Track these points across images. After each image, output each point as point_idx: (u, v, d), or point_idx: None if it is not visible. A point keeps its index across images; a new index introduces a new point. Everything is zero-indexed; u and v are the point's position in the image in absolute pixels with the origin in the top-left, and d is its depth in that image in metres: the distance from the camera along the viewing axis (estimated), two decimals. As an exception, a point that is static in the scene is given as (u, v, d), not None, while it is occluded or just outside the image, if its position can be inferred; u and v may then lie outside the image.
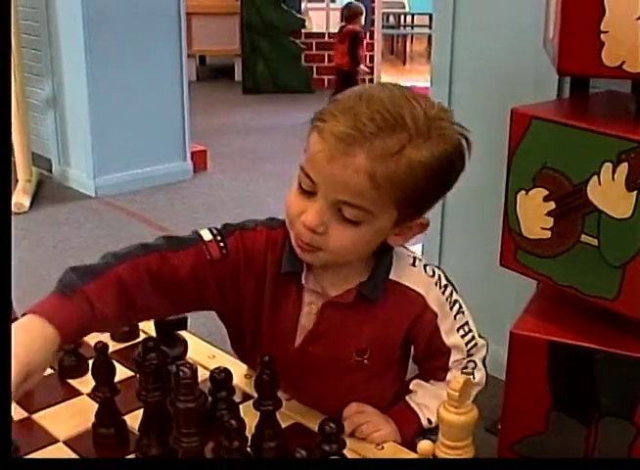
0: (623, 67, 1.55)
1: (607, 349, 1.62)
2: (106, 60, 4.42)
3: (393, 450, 1.16)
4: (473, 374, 1.23)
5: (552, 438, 1.73)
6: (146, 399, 1.08)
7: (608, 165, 1.52)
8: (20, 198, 4.31)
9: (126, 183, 4.64)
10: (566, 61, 1.64)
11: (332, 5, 9.35)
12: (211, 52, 8.59)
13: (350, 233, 1.06)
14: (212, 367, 1.19)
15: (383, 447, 1.16)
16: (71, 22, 4.39)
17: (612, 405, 1.65)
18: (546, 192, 1.65)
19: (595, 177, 1.55)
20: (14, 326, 0.95)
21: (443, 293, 1.20)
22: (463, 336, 1.22)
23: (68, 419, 1.20)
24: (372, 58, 8.06)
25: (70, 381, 1.30)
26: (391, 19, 11.09)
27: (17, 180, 4.42)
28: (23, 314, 1.00)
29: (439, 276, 1.20)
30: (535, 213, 1.68)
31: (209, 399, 1.15)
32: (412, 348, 1.25)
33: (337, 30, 6.80)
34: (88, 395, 1.24)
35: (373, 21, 8.20)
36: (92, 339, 1.33)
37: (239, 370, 1.30)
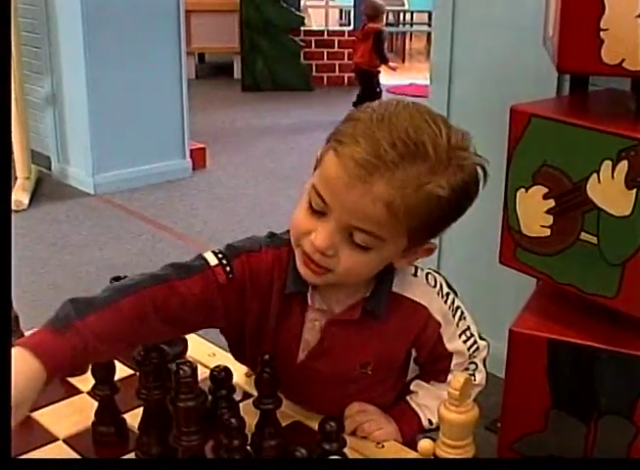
0: (623, 64, 1.55)
1: (607, 347, 1.62)
2: (105, 57, 4.42)
3: (394, 449, 1.15)
4: (474, 375, 1.23)
5: (551, 436, 1.73)
6: (146, 398, 1.08)
7: (607, 163, 1.52)
8: (19, 195, 4.31)
9: (125, 181, 4.64)
10: (565, 58, 1.64)
11: (331, 3, 9.37)
12: (211, 50, 8.58)
13: (359, 258, 1.05)
14: (212, 366, 1.19)
15: (383, 446, 1.16)
16: (71, 19, 4.39)
17: (611, 404, 1.65)
18: (546, 190, 1.65)
19: (595, 175, 1.55)
20: None
21: (445, 301, 1.19)
22: (465, 341, 1.22)
23: (68, 417, 1.20)
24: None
25: (70, 379, 1.30)
26: (391, 16, 11.08)
27: (16, 178, 4.42)
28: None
29: (441, 285, 1.20)
30: (535, 211, 1.68)
31: (209, 397, 1.15)
32: (413, 351, 1.24)
33: (358, 29, 6.82)
34: (88, 393, 1.24)
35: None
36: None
37: (239, 369, 1.30)
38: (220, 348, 1.40)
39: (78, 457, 1.11)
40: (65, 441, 1.15)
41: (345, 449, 1.04)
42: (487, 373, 1.27)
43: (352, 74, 8.00)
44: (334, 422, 1.03)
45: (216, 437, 1.04)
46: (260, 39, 7.77)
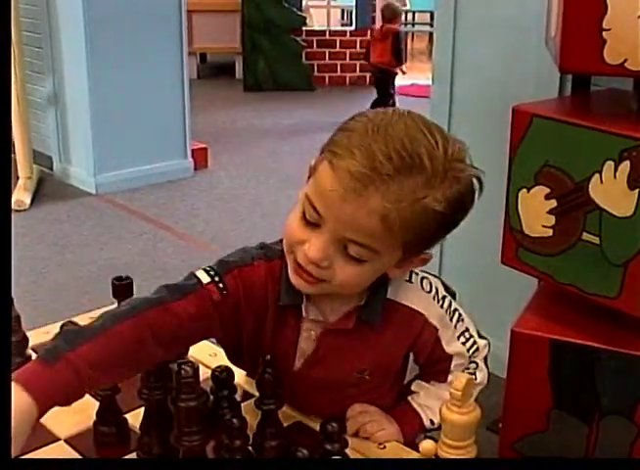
0: (625, 65, 1.55)
1: (608, 347, 1.62)
2: (106, 57, 4.42)
3: (396, 450, 1.15)
4: (475, 374, 1.23)
5: (553, 436, 1.73)
6: (147, 398, 1.08)
7: (610, 164, 1.52)
8: (20, 195, 4.31)
9: (127, 180, 4.64)
10: (568, 59, 1.63)
11: (333, 3, 9.36)
12: (212, 50, 8.59)
13: (354, 270, 1.04)
14: (214, 366, 1.19)
15: (385, 447, 1.16)
16: (72, 19, 4.39)
17: (613, 404, 1.65)
18: (548, 190, 1.65)
19: (597, 175, 1.54)
20: None
21: (442, 306, 1.18)
22: (464, 343, 1.22)
23: (70, 417, 1.19)
24: (373, 55, 8.06)
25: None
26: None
27: (17, 178, 4.42)
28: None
29: (437, 289, 1.19)
30: (537, 211, 1.67)
31: (211, 397, 1.15)
32: (411, 354, 1.24)
33: (375, 29, 6.90)
34: (89, 393, 1.23)
35: (374, 18, 8.20)
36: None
37: (240, 369, 1.30)
38: (221, 348, 1.40)
39: (79, 457, 1.11)
40: (66, 441, 1.15)
41: (347, 450, 1.04)
42: (489, 371, 1.27)
43: (354, 74, 8.04)
44: (335, 423, 1.03)
45: (218, 437, 1.04)
46: (262, 39, 7.78)
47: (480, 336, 1.25)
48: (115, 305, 1.44)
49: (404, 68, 6.58)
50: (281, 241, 1.12)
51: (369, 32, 8.16)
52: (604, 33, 1.55)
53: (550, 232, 1.66)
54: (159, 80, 4.70)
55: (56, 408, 1.21)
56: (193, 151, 5.03)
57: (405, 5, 10.94)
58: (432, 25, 9.45)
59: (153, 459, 1.09)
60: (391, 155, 0.97)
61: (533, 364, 1.70)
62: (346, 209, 0.98)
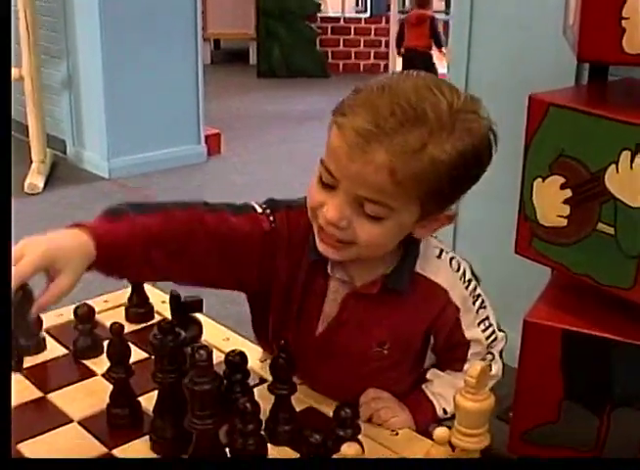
0: (644, 54, 1.54)
1: (621, 338, 1.61)
2: (121, 42, 4.42)
3: (408, 437, 1.15)
4: (490, 366, 1.22)
5: (564, 427, 1.73)
6: (161, 381, 1.09)
7: (626, 154, 1.51)
8: (34, 179, 4.32)
9: (140, 165, 4.64)
10: (586, 47, 1.62)
11: (348, -11, 9.31)
12: (226, 36, 8.57)
13: (374, 229, 1.04)
14: (227, 350, 1.19)
15: (397, 434, 1.16)
16: (87, 4, 4.38)
17: (625, 396, 1.64)
18: (563, 180, 1.64)
19: (613, 165, 1.53)
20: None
21: (467, 288, 1.19)
22: (484, 330, 1.22)
23: (83, 399, 1.20)
24: (387, 43, 8.03)
25: (85, 362, 1.31)
26: (407, 3, 11.02)
27: (31, 161, 4.43)
28: None
29: (464, 270, 1.19)
30: (552, 201, 1.67)
31: (224, 381, 1.15)
32: (431, 338, 1.24)
33: (403, 15, 7.29)
34: (103, 375, 1.24)
35: (389, 5, 8.16)
36: (107, 320, 1.34)
37: (253, 354, 1.30)
38: (235, 333, 1.40)
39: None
40: (79, 423, 1.16)
41: (360, 436, 1.04)
42: (504, 365, 1.27)
43: (368, 62, 8.02)
44: (349, 408, 1.03)
45: (231, 421, 1.05)
46: (276, 25, 7.75)
47: (499, 329, 1.24)
48: (129, 288, 1.45)
49: (444, 50, 6.64)
50: None
51: (383, 19, 8.15)
52: (623, 22, 1.54)
53: (565, 222, 1.65)
54: (173, 66, 4.69)
55: (69, 389, 1.22)
56: (206, 137, 5.02)
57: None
58: (447, 13, 9.41)
59: (152, 459, 1.08)
60: (395, 110, 0.98)
61: (545, 355, 1.69)
62: (354, 165, 1.00)
